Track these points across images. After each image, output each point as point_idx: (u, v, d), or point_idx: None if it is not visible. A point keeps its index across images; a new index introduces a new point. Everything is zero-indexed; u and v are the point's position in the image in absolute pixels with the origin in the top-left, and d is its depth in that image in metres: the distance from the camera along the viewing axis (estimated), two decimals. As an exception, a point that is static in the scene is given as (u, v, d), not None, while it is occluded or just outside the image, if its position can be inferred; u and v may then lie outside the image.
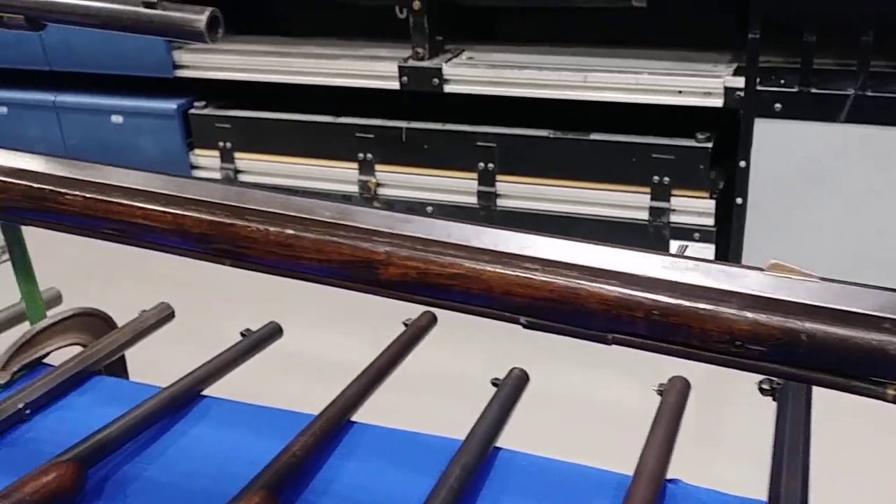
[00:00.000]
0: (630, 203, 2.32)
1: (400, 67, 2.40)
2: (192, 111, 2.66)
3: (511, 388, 0.77)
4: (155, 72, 2.62)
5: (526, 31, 2.48)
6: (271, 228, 0.55)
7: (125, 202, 0.58)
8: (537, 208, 2.40)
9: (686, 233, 2.27)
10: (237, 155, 2.65)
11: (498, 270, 0.50)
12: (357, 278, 0.53)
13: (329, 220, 0.54)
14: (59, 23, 0.60)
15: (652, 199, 2.30)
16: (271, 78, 2.52)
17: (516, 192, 2.42)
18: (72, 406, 0.80)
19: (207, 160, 2.68)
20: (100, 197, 0.59)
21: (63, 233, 0.62)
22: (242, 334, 0.87)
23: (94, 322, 0.89)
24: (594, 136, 2.32)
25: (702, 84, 2.16)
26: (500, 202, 2.44)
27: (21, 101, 2.77)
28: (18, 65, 2.75)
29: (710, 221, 2.27)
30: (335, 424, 0.73)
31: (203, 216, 0.57)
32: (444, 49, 2.46)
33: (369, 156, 2.53)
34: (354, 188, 2.57)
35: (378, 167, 2.53)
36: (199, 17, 0.56)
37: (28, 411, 0.77)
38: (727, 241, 2.27)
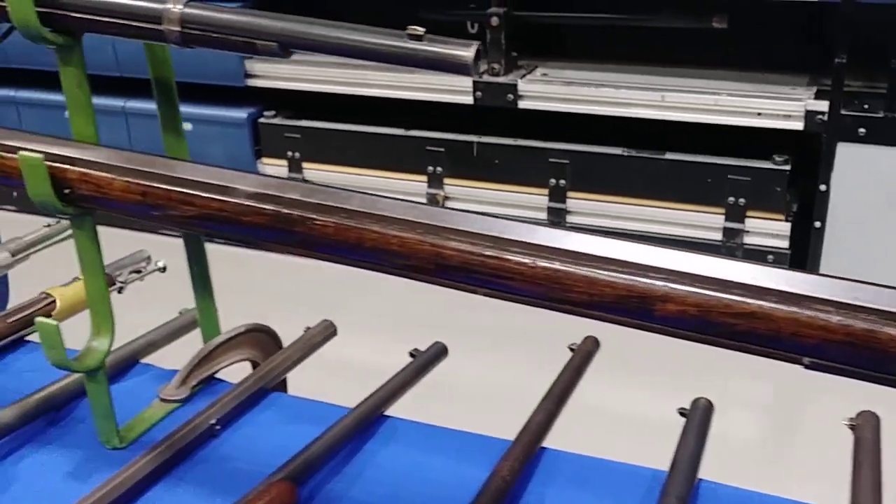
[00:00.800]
0: (703, 223, 2.32)
1: (475, 82, 2.41)
2: (262, 120, 2.68)
3: (700, 416, 0.77)
4: (226, 80, 2.64)
5: (601, 49, 2.49)
6: (539, 262, 0.55)
7: (380, 230, 0.59)
8: (608, 226, 2.40)
9: (759, 254, 2.27)
10: (305, 165, 2.66)
11: (789, 311, 0.50)
12: (630, 314, 0.54)
13: (600, 255, 0.55)
14: (316, 52, 0.61)
15: (726, 219, 2.29)
16: (342, 90, 2.54)
17: (587, 209, 2.42)
18: (255, 423, 0.81)
19: (275, 169, 2.69)
20: (353, 224, 0.60)
21: (308, 258, 0.63)
22: (412, 354, 0.88)
23: (262, 338, 0.90)
24: (669, 156, 2.32)
25: (782, 107, 2.16)
26: (571, 219, 2.44)
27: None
28: (90, 70, 2.76)
29: (785, 244, 2.26)
30: (531, 451, 0.73)
31: (463, 246, 0.57)
32: (518, 65, 2.47)
33: (439, 169, 2.54)
34: (422, 201, 2.58)
35: (447, 181, 2.54)
36: (467, 52, 0.57)
37: (218, 427, 0.78)
38: (801, 263, 2.26)
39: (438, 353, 0.90)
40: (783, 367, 0.54)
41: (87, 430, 0.80)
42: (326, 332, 0.93)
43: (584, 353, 0.89)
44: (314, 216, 0.60)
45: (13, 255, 1.08)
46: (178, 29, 0.63)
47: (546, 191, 2.45)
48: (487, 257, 0.57)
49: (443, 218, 0.59)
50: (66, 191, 0.68)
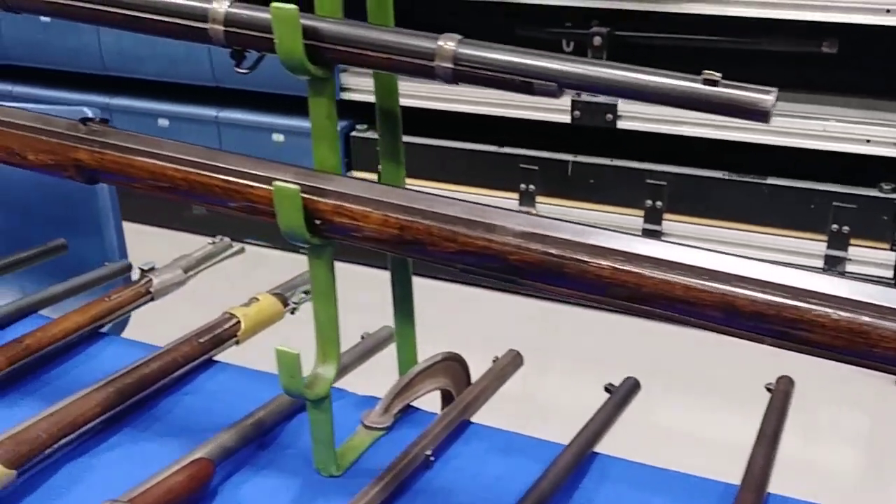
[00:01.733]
0: (804, 250, 2.28)
1: (573, 101, 2.40)
2: (354, 133, 2.70)
3: None
4: (322, 93, 2.65)
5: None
6: (841, 314, 0.54)
7: (661, 276, 0.58)
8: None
9: (862, 283, 2.23)
10: (396, 179, 2.67)
11: None
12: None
13: (909, 310, 0.53)
14: (599, 92, 0.60)
15: (828, 247, 2.26)
16: (435, 105, 2.54)
17: (683, 231, 2.40)
18: (465, 454, 0.80)
19: (365, 182, 2.71)
20: (631, 269, 0.59)
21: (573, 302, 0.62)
22: (607, 389, 0.87)
23: (455, 368, 0.90)
24: (771, 181, 2.29)
25: (891, 134, 2.13)
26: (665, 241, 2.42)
27: (184, 115, 2.83)
28: (186, 80, 2.81)
29: (889, 273, 2.22)
30: (759, 498, 0.72)
31: (757, 295, 0.56)
32: (617, 84, 2.45)
33: (531, 187, 2.53)
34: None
35: (539, 199, 2.53)
36: (767, 98, 0.56)
37: (433, 458, 0.78)
38: (905, 294, 2.22)
39: (632, 388, 0.89)
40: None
41: (296, 455, 0.80)
42: (515, 362, 0.93)
43: (783, 394, 0.88)
44: (587, 259, 0.60)
45: (185, 272, 1.09)
46: (450, 66, 0.63)
47: (641, 212, 2.44)
48: (784, 307, 0.56)
49: (729, 264, 0.58)
50: (318, 222, 0.68)
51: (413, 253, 0.66)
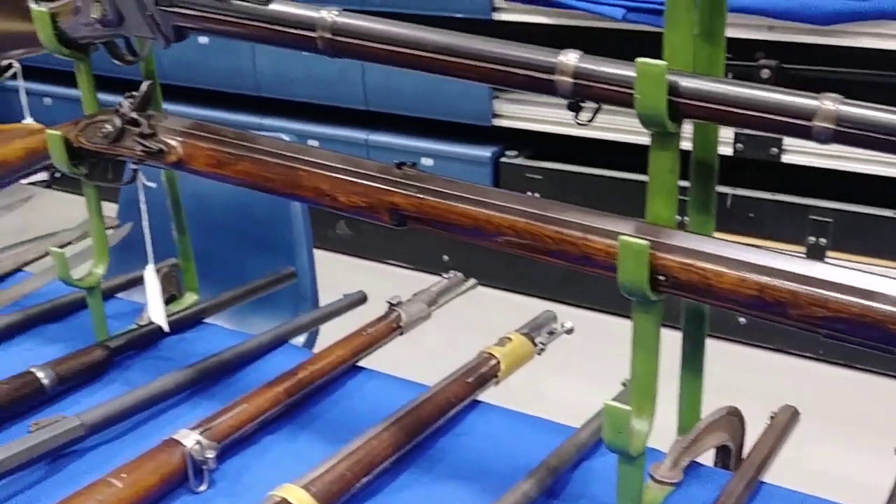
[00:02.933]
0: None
1: (736, 133, 2.35)
2: (504, 159, 2.70)
3: None
4: (474, 119, 2.67)
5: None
6: None
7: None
8: (871, 290, 2.29)
9: None
10: (544, 206, 2.66)
11: None
12: None
13: None
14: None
15: None
16: (589, 133, 2.52)
17: (849, 270, 2.31)
18: (765, 518, 0.78)
19: (512, 208, 2.70)
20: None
21: None
22: (902, 454, 0.84)
23: (734, 422, 0.88)
24: (947, 222, 2.19)
25: None
26: (829, 279, 2.34)
27: (334, 137, 2.89)
28: (338, 102, 2.87)
29: None
30: None
31: None
32: (781, 117, 2.39)
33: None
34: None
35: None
36: None
37: (739, 521, 0.76)
38: None
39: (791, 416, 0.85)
40: None
41: (590, 506, 0.79)
42: (793, 419, 0.90)
43: None
44: None
45: (428, 306, 1.10)
46: (832, 127, 0.61)
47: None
48: None
49: None
50: (662, 277, 0.67)
51: (771, 315, 0.64)
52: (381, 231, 2.73)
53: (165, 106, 1.00)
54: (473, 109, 2.65)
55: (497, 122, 2.66)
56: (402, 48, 0.73)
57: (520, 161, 2.69)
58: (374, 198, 0.78)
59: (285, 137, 1.60)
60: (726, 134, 2.36)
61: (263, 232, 1.63)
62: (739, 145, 2.35)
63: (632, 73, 0.65)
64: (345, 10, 0.76)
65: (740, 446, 0.89)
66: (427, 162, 2.75)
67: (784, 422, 0.89)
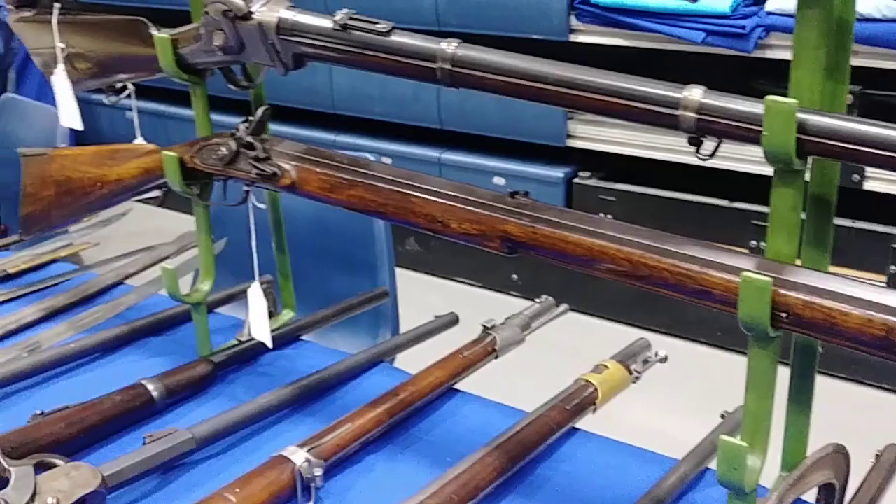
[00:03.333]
0: None
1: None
2: (577, 180, 2.70)
3: None
4: (548, 139, 2.67)
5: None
6: None
7: None
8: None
9: None
10: (616, 227, 2.64)
11: None
12: None
13: None
14: None
15: None
16: (663, 156, 2.51)
17: (934, 301, 2.25)
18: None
19: (583, 229, 2.70)
20: None
21: None
22: None
23: (840, 459, 0.86)
24: None
25: None
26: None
27: (407, 154, 2.92)
28: (412, 121, 2.90)
29: None
30: None
31: None
32: (864, 143, 2.35)
33: (762, 244, 2.44)
34: (741, 275, 2.49)
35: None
36: None
37: (853, 562, 0.74)
38: None
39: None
40: None
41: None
42: (901, 459, 0.88)
43: None
44: None
45: (522, 330, 1.11)
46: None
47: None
48: None
49: None
50: (783, 315, 0.67)
51: (897, 356, 0.63)
52: (450, 248, 2.75)
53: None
54: (547, 129, 2.66)
55: (571, 142, 2.66)
56: (522, 80, 0.74)
57: (593, 182, 2.68)
58: (487, 226, 0.79)
59: (369, 156, 1.64)
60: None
61: (346, 248, 1.65)
62: (820, 171, 2.31)
63: (758, 110, 0.65)
64: (462, 42, 0.78)
65: (844, 485, 0.88)
66: (499, 181, 2.76)
67: (890, 461, 0.88)
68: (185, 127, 3.28)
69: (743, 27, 2.28)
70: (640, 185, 2.62)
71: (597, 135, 2.62)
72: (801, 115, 0.65)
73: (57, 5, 1.01)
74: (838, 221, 2.39)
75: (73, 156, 1.06)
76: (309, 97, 3.04)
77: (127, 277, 1.29)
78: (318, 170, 0.88)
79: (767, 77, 2.42)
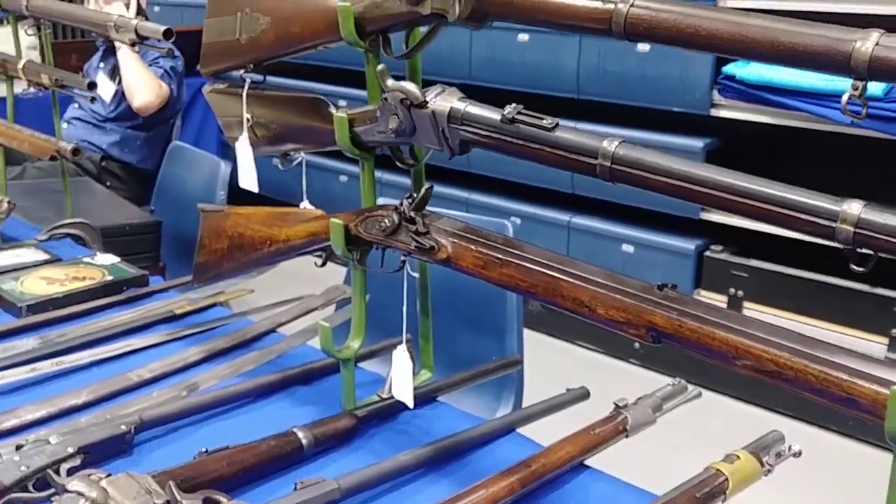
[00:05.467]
0: None
1: None
2: (708, 253, 2.68)
3: None
4: (681, 210, 2.67)
5: None
6: None
7: None
8: None
9: None
10: (746, 304, 2.60)
11: None
12: None
13: None
14: None
15: None
16: (800, 235, 2.46)
17: None
18: None
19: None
20: None
21: None
22: None
23: None
24: None
25: None
26: None
27: (538, 217, 2.97)
28: (545, 184, 2.96)
29: None
30: None
31: None
32: None
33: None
34: (878, 364, 2.40)
35: None
36: None
37: None
38: None
39: None
40: None
41: None
42: None
43: None
44: None
45: (654, 412, 1.13)
46: None
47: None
48: None
49: None
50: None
51: None
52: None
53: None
54: (680, 200, 2.65)
55: (704, 214, 2.64)
56: (679, 181, 0.78)
57: (725, 256, 2.65)
58: (634, 314, 0.83)
59: (507, 224, 1.70)
60: None
61: (477, 311, 1.71)
62: None
63: (918, 229, 0.67)
64: (623, 141, 0.82)
65: None
66: (628, 248, 2.78)
67: None
68: (326, 176, 3.45)
69: (895, 111, 2.23)
70: (774, 263, 2.58)
71: (732, 209, 2.60)
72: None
73: (248, 80, 1.12)
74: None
75: (246, 215, 1.16)
76: (442, 155, 3.14)
77: (279, 326, 1.38)
78: (473, 247, 0.94)
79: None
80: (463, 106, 0.91)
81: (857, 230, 0.70)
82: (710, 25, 0.73)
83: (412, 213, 0.98)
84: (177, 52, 2.89)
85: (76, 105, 2.89)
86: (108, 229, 1.90)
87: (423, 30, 1.00)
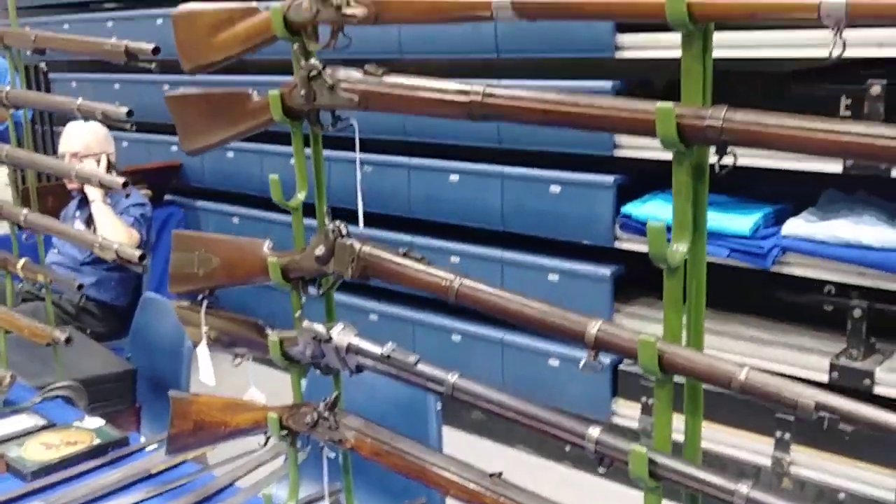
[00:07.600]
0: None
1: (831, 364, 2.60)
2: (622, 367, 3.04)
3: None
4: (595, 239, 3.02)
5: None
6: None
7: None
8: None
9: None
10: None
11: None
12: None
13: None
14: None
15: None
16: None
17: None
18: None
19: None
20: None
21: None
22: None
23: None
24: None
25: None
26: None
27: (472, 254, 3.33)
28: (475, 223, 3.32)
29: None
30: None
31: None
32: (875, 349, 2.63)
33: (787, 435, 2.71)
34: (767, 462, 2.75)
35: (794, 447, 2.70)
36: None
37: None
38: None
39: None
40: None
41: None
42: None
43: None
44: None
45: None
46: None
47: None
48: None
49: None
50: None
51: None
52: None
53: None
54: (595, 229, 3.00)
55: (618, 244, 2.97)
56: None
57: (637, 369, 3.02)
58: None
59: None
60: (822, 364, 2.62)
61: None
62: (835, 374, 2.60)
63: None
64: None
65: None
66: (553, 277, 3.11)
67: None
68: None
69: (761, 247, 2.64)
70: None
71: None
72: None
73: (206, 303, 1.49)
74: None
75: (207, 403, 1.51)
76: (390, 203, 3.50)
77: (236, 480, 1.71)
78: (368, 440, 1.29)
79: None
80: (357, 341, 1.28)
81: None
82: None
83: (326, 413, 1.34)
84: (145, 201, 3.27)
85: (55, 250, 3.23)
86: (90, 380, 2.24)
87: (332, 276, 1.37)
